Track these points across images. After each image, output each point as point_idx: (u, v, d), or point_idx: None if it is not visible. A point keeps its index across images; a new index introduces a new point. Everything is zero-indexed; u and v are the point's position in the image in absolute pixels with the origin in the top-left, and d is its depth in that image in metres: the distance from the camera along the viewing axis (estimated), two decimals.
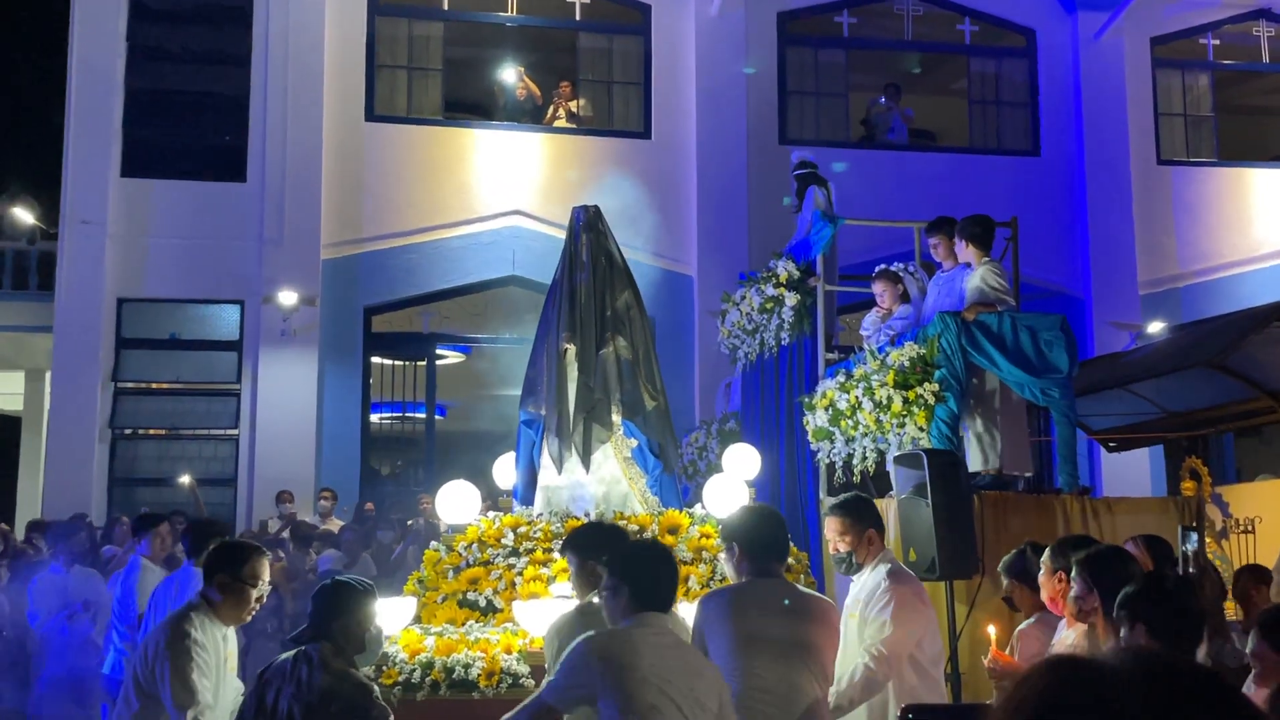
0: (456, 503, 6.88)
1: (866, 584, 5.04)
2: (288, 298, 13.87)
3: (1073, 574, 4.52)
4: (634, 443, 7.12)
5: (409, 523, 12.60)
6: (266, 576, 4.68)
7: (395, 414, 15.43)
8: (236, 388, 14.18)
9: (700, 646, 4.35)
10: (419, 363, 15.15)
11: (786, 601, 4.44)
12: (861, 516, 5.12)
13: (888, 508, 7.69)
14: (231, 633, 4.70)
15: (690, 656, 3.93)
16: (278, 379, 13.93)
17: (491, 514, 6.96)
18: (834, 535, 5.15)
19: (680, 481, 7.61)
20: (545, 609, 5.42)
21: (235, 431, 14.08)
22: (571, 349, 7.13)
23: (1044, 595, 5.06)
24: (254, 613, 4.74)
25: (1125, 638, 3.69)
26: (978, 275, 8.17)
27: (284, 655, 4.31)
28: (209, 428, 14.25)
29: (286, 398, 13.86)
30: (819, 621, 4.47)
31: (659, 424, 7.13)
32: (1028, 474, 8.01)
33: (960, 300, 8.28)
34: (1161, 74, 16.76)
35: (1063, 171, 16.12)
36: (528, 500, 7.16)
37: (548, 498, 7.07)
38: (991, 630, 5.06)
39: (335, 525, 12.22)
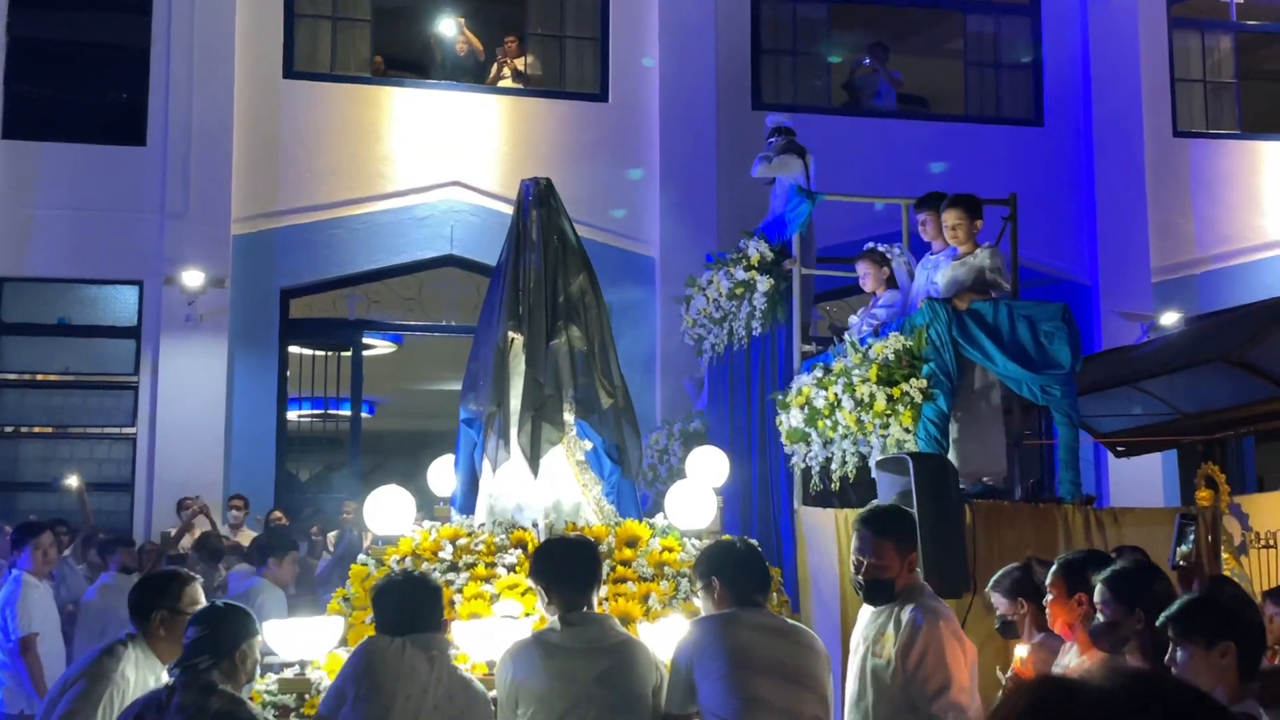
0: (387, 511, 6.89)
1: (892, 616, 4.76)
2: (193, 278, 13.79)
3: (1098, 598, 4.52)
4: (588, 445, 7.17)
5: (330, 534, 12.58)
6: (202, 603, 4.87)
7: (316, 411, 15.38)
8: (134, 380, 14.09)
9: (685, 673, 4.58)
10: (343, 353, 15.11)
11: (778, 626, 4.72)
12: (909, 537, 4.87)
13: None
14: (165, 674, 4.82)
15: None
16: (181, 370, 13.86)
17: (427, 524, 6.99)
18: (870, 558, 4.80)
19: (639, 488, 7.65)
20: (487, 630, 5.46)
21: (132, 430, 14.01)
22: (518, 339, 7.15)
23: (1056, 621, 5.09)
24: None
25: (1187, 662, 3.62)
26: (984, 256, 8.25)
27: (156, 687, 4.53)
28: (102, 425, 14.16)
29: (191, 392, 13.79)
30: (813, 649, 4.72)
31: (617, 424, 7.18)
32: (990, 480, 8.08)
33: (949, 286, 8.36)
34: (1179, 35, 16.97)
35: (1068, 143, 16.28)
36: (468, 509, 7.19)
37: (490, 506, 7.08)
38: (1021, 650, 5.10)
39: (247, 537, 12.19)
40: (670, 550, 6.64)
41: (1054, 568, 5.16)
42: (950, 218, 8.38)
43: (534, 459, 6.93)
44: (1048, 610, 5.14)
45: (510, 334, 7.14)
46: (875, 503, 6.00)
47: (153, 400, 13.90)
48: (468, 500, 7.23)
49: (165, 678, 4.82)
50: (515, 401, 7.05)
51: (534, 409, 6.98)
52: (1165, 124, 16.56)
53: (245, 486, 13.50)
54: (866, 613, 4.93)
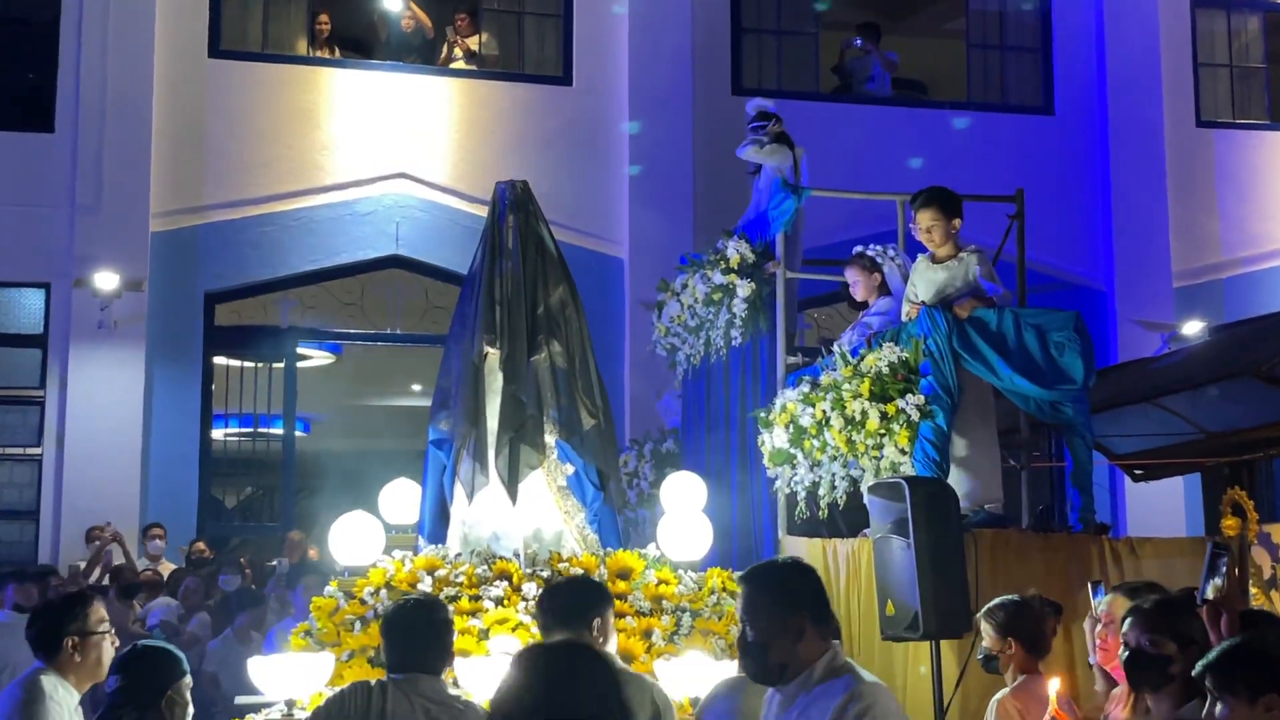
0: (355, 540, 6.99)
1: (813, 702, 3.97)
2: (107, 280, 13.72)
3: (1137, 628, 4.52)
4: (570, 469, 7.39)
5: (270, 563, 12.51)
6: (106, 619, 5.17)
7: (245, 429, 15.32)
8: (39, 394, 14.00)
9: None
10: (275, 364, 15.06)
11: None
12: (792, 602, 4.05)
13: (860, 549, 7.79)
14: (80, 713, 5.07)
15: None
16: (93, 383, 13.78)
17: (398, 554, 7.13)
18: (746, 623, 4.11)
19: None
20: (490, 668, 5.63)
21: (37, 450, 13.92)
22: (494, 354, 7.35)
23: (1107, 658, 5.11)
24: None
25: (1226, 717, 3.56)
26: (971, 260, 8.28)
27: None
28: (4, 445, 14.07)
29: (104, 407, 13.71)
30: None
31: (599, 446, 7.42)
32: (992, 507, 8.10)
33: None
34: (1203, 15, 17.09)
35: (1081, 134, 16.37)
36: (437, 537, 7.38)
37: (465, 535, 7.28)
38: (1054, 685, 5.06)
39: (167, 570, 12.12)
40: (666, 583, 6.77)
41: (1109, 598, 5.15)
42: (924, 219, 8.38)
43: (512, 484, 7.15)
44: (1103, 647, 5.14)
45: (486, 348, 7.34)
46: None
47: (60, 417, 13.80)
48: (437, 528, 7.43)
49: (80, 715, 5.04)
50: (492, 422, 7.26)
51: (513, 430, 7.20)
52: (1188, 113, 16.66)
53: (165, 513, 13.42)
54: (774, 700, 4.15)
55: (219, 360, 14.88)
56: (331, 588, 6.97)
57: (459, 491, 7.35)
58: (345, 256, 14.81)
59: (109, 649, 5.06)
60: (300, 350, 15.43)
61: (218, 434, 15.03)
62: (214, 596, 11.34)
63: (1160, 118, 16.29)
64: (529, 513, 7.23)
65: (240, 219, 14.57)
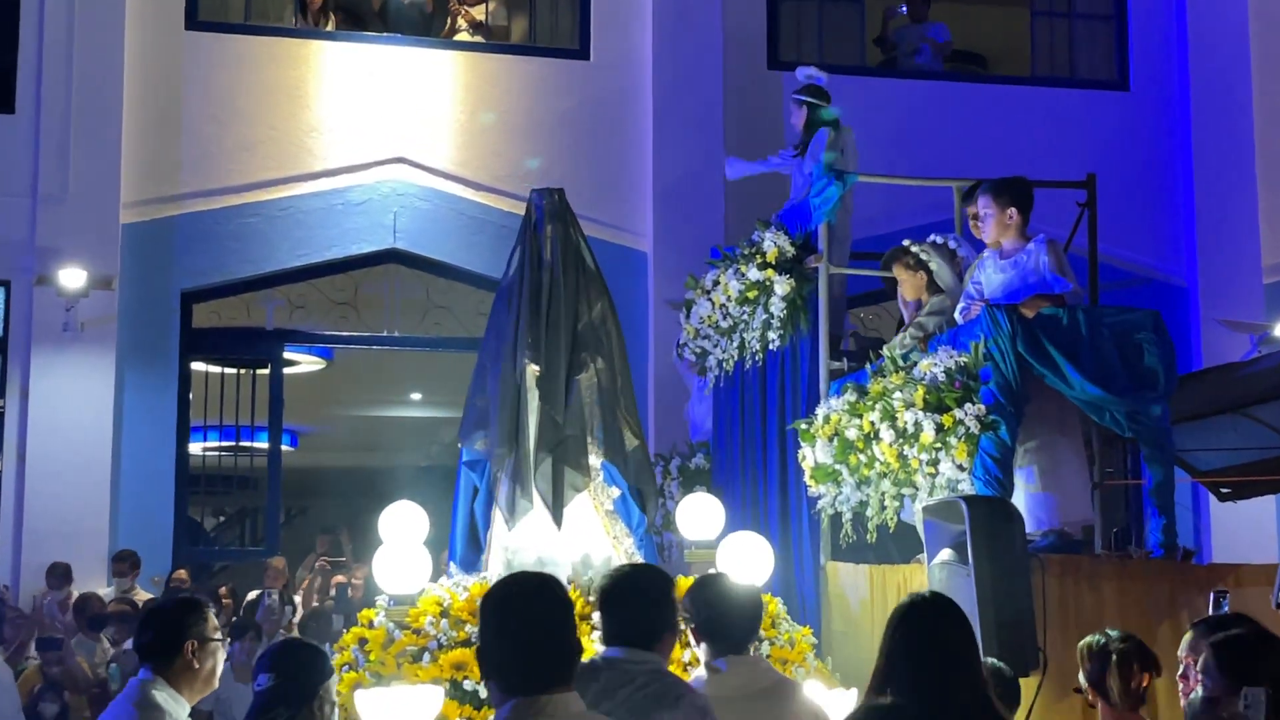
0: (401, 568, 7.21)
1: None
2: (73, 277, 13.76)
3: (1199, 666, 4.49)
4: (616, 492, 7.77)
5: (251, 596, 12.53)
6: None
7: (226, 443, 15.35)
8: None
9: None
10: (259, 370, 15.09)
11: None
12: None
13: (913, 576, 7.79)
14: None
15: None
16: (58, 392, 13.82)
17: (446, 581, 7.45)
18: None
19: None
20: None
21: None
22: (534, 370, 7.69)
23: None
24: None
25: None
26: (1040, 252, 8.28)
27: None
28: None
29: (70, 419, 13.75)
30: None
31: (640, 468, 7.83)
32: (1068, 529, 8.08)
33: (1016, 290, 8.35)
34: None
35: (1159, 111, 16.32)
36: (470, 564, 7.70)
37: (508, 560, 7.56)
38: None
39: (141, 599, 12.15)
40: None
41: (1187, 637, 5.13)
42: (973, 208, 8.44)
43: (557, 508, 7.52)
44: (1185, 693, 5.12)
45: (528, 364, 7.70)
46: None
47: (21, 429, 13.84)
48: (469, 554, 7.79)
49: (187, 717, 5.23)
50: (533, 443, 7.62)
51: (551, 450, 7.57)
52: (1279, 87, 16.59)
53: (137, 537, 13.44)
54: None
55: (197, 366, 14.91)
56: (379, 616, 7.20)
57: (496, 515, 7.68)
58: (337, 250, 14.82)
59: (222, 659, 5.28)
60: (287, 355, 15.48)
61: (196, 448, 15.07)
62: None
63: (1249, 92, 16.22)
64: (576, 537, 7.56)
65: (220, 209, 14.60)
